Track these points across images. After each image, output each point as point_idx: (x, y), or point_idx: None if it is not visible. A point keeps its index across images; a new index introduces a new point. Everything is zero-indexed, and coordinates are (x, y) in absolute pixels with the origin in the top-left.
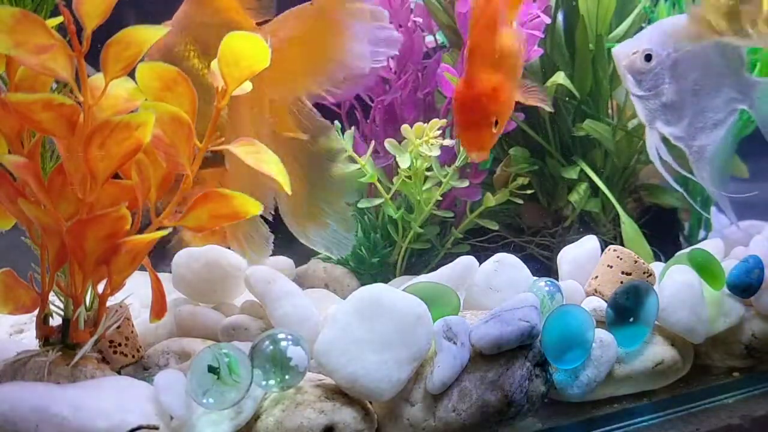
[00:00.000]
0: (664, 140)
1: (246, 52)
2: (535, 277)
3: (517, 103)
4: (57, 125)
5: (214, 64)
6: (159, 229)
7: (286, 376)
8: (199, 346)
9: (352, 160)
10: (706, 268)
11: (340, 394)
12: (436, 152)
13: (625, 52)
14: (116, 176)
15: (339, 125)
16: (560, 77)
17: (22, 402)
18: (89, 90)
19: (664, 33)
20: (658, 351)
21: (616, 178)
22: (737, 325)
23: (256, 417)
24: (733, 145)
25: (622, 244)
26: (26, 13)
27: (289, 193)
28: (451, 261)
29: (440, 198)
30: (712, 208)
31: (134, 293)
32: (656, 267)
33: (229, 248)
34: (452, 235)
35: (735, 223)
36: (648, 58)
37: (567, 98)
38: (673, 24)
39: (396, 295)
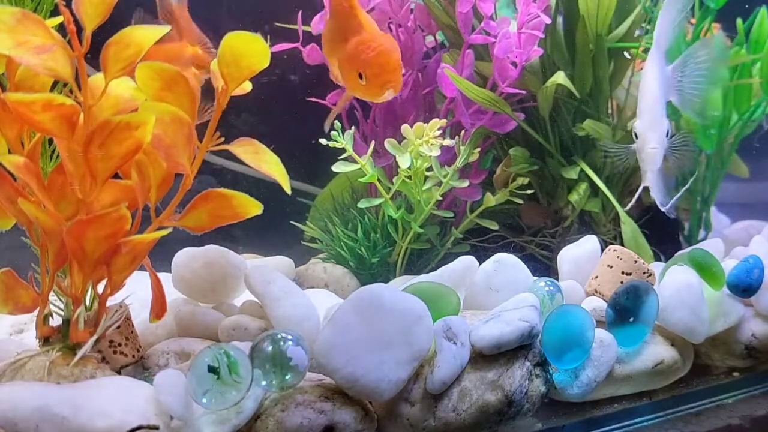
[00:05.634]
0: None
1: (246, 51)
2: (535, 277)
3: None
4: (57, 125)
5: (214, 64)
6: (159, 229)
7: (286, 376)
8: (199, 346)
9: (353, 160)
10: (706, 268)
11: (340, 394)
12: (436, 152)
13: (655, 148)
14: (116, 176)
15: (339, 125)
16: (560, 77)
17: (22, 402)
18: (89, 90)
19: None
20: (658, 351)
21: (616, 178)
22: (737, 325)
23: (256, 417)
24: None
25: (622, 244)
26: (27, 13)
27: (289, 192)
28: (451, 261)
29: (440, 198)
30: (713, 208)
31: (134, 293)
32: (656, 267)
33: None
34: (452, 235)
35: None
36: (667, 133)
37: (567, 98)
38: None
39: (396, 295)
